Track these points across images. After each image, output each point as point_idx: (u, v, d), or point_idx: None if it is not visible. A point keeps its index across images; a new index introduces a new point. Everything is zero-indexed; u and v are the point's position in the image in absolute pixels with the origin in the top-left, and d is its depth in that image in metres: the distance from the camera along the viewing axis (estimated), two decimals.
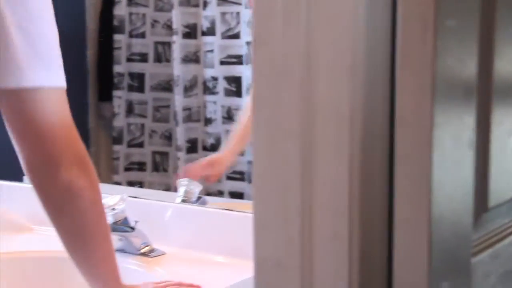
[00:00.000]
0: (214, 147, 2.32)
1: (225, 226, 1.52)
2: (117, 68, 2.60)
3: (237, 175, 2.30)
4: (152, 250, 1.51)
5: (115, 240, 1.51)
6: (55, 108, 1.05)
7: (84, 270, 1.17)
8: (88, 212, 1.13)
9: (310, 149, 0.72)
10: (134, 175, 2.67)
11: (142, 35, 2.62)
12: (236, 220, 1.52)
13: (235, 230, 1.51)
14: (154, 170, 2.69)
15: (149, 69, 2.62)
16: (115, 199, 1.49)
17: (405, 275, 0.69)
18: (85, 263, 1.16)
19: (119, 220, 1.48)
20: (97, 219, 1.14)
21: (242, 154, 1.87)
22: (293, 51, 0.67)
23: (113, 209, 1.48)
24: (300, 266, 0.74)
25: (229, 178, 2.49)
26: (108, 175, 2.67)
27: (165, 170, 2.71)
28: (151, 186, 2.65)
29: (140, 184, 2.67)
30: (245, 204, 1.81)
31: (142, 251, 1.50)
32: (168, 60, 2.64)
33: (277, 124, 0.75)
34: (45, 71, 1.03)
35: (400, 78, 0.67)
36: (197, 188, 1.69)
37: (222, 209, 1.55)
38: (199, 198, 1.70)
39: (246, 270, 1.47)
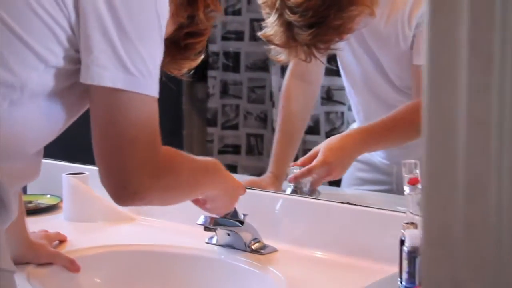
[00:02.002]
0: (312, 130, 2.17)
1: (342, 221, 1.36)
2: (211, 47, 2.48)
3: None
4: (263, 247, 1.36)
5: (223, 234, 1.37)
6: (140, 114, 0.96)
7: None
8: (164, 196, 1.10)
9: (504, 143, 0.56)
10: (228, 158, 2.56)
11: (238, 12, 2.49)
12: (354, 215, 1.35)
13: (354, 226, 1.34)
14: (249, 153, 2.57)
15: (245, 47, 2.52)
16: None
17: None
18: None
19: (228, 213, 1.34)
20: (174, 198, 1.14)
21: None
22: None
23: None
24: None
25: None
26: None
27: (260, 153, 2.59)
28: (245, 170, 2.54)
29: (234, 168, 2.56)
30: (361, 194, 1.65)
31: (253, 247, 1.36)
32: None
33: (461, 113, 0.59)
34: (135, 76, 0.95)
35: None
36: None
37: (340, 202, 1.39)
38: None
39: (368, 272, 1.33)
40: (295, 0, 1.33)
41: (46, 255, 1.32)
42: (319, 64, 1.53)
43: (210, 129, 2.55)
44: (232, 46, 2.51)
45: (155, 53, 0.98)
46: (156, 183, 1.00)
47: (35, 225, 1.46)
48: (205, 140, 2.57)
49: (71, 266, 1.32)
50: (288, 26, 1.37)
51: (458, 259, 0.60)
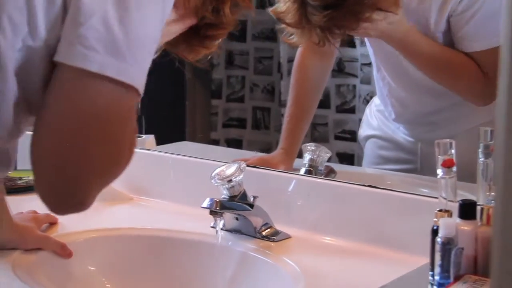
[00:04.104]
0: (321, 103, 2.05)
1: (363, 206, 1.22)
2: None
3: (347, 135, 2.04)
4: (275, 233, 1.22)
5: (231, 218, 1.23)
6: (122, 109, 0.79)
7: None
8: None
9: None
10: (233, 132, 2.45)
11: None
12: (377, 199, 1.21)
13: (376, 211, 1.20)
14: (255, 128, 2.46)
15: (252, 15, 2.40)
16: (231, 169, 1.20)
17: None
18: None
19: (237, 195, 1.19)
20: None
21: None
22: None
23: (230, 181, 1.20)
24: None
25: (338, 138, 2.22)
26: (205, 132, 2.45)
27: (266, 128, 2.47)
28: (251, 144, 2.42)
29: (239, 143, 2.44)
30: (382, 174, 1.51)
31: (263, 233, 1.21)
32: (272, 5, 2.35)
33: None
34: (127, 63, 0.77)
35: None
36: (326, 155, 1.39)
37: (360, 184, 1.24)
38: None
39: (393, 263, 1.17)
40: None
41: (33, 239, 1.17)
42: None
43: (214, 101, 2.43)
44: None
45: (154, 38, 0.81)
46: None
47: (25, 204, 1.32)
48: (209, 113, 2.44)
49: (62, 251, 1.18)
50: (301, 4, 1.23)
51: None
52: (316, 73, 1.52)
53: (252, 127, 2.45)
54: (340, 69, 2.09)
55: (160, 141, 1.78)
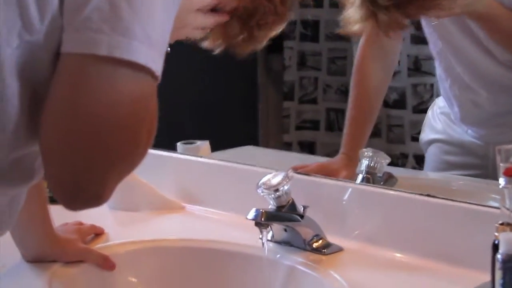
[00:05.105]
0: (397, 103, 1.96)
1: (422, 217, 1.11)
2: None
3: None
4: (326, 245, 1.12)
5: (279, 229, 1.15)
6: (138, 94, 0.69)
7: None
8: None
9: None
10: (306, 135, 2.38)
11: None
12: (437, 210, 1.10)
13: (436, 223, 1.09)
14: (328, 129, 2.38)
15: (324, 15, 2.32)
16: (278, 178, 1.12)
17: None
18: None
19: (284, 205, 1.11)
20: None
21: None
22: None
23: (276, 190, 1.11)
24: None
25: (415, 139, 2.12)
26: (278, 135, 2.39)
27: (340, 130, 2.38)
28: (324, 147, 2.34)
29: (312, 145, 2.37)
30: (446, 180, 1.38)
31: (313, 245, 1.12)
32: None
33: None
34: (136, 41, 0.67)
35: None
36: (384, 160, 1.28)
37: (418, 194, 1.13)
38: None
39: (452, 279, 1.01)
40: None
41: (74, 252, 1.12)
42: None
43: (286, 103, 2.37)
44: (311, 13, 2.31)
45: (168, 11, 0.70)
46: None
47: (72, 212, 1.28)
48: (281, 115, 2.38)
49: (104, 264, 1.12)
50: None
51: None
52: (377, 73, 1.42)
53: (325, 129, 2.37)
54: (416, 68, 1.98)
55: (231, 145, 1.74)
